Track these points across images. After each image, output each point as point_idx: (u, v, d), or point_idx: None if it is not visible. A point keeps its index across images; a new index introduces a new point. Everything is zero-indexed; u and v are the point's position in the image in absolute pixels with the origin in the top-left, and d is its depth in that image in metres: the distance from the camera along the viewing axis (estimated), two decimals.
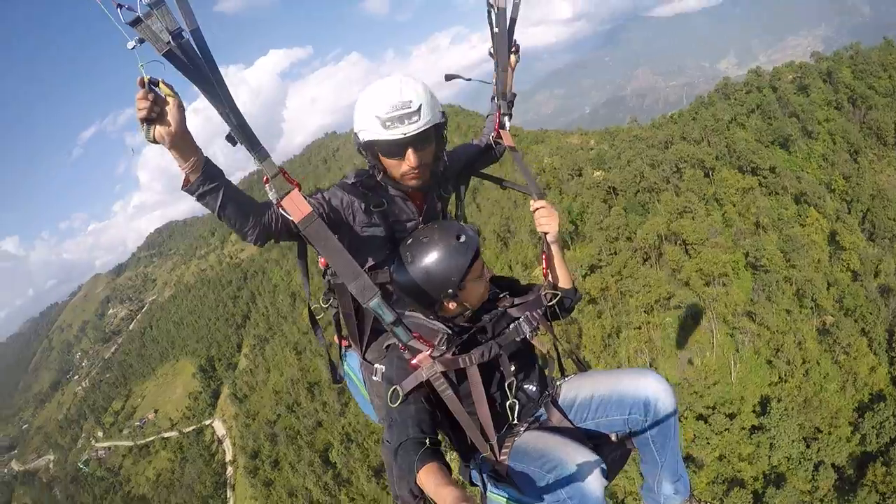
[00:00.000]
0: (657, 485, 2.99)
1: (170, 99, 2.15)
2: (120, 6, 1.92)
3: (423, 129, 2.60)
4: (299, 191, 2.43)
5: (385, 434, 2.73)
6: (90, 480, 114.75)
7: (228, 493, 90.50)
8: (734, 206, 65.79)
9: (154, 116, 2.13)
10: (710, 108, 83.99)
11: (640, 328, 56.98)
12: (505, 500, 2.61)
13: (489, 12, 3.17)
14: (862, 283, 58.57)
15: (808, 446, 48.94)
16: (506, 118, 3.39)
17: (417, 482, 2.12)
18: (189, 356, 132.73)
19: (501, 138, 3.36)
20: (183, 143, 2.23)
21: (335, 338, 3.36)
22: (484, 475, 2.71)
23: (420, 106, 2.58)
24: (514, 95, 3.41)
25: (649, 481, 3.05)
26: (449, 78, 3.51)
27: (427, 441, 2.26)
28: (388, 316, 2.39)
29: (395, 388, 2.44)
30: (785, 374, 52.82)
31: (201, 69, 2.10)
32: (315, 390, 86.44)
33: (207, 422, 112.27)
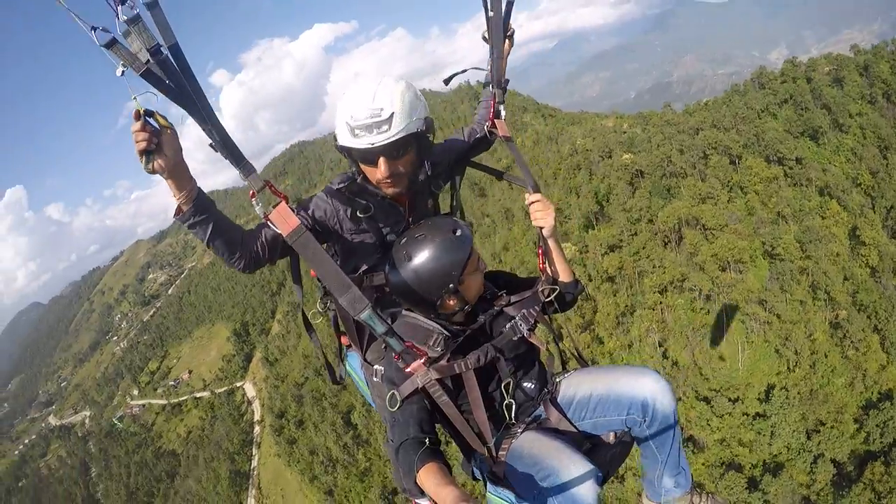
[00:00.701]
0: (658, 479, 2.99)
1: (165, 130, 2.18)
2: (94, 28, 1.90)
3: (392, 139, 2.55)
4: (286, 203, 2.44)
5: (388, 433, 2.84)
6: (123, 435, 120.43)
7: (254, 450, 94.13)
8: (757, 194, 66.02)
9: (153, 148, 2.16)
10: (743, 97, 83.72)
11: (653, 308, 58.06)
12: (502, 502, 2.59)
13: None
14: (879, 280, 58.59)
15: (808, 438, 49.44)
16: (500, 106, 3.33)
17: (417, 482, 2.15)
18: (224, 321, 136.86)
19: (496, 128, 3.31)
20: (179, 173, 2.28)
21: (336, 340, 3.36)
22: (484, 474, 2.74)
23: (392, 115, 2.52)
24: (508, 82, 3.36)
25: (650, 475, 3.04)
26: (448, 81, 3.53)
27: (427, 440, 2.29)
28: (379, 327, 2.40)
29: (392, 393, 2.45)
30: (792, 364, 53.32)
31: (181, 85, 2.09)
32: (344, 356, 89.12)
33: (239, 384, 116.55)
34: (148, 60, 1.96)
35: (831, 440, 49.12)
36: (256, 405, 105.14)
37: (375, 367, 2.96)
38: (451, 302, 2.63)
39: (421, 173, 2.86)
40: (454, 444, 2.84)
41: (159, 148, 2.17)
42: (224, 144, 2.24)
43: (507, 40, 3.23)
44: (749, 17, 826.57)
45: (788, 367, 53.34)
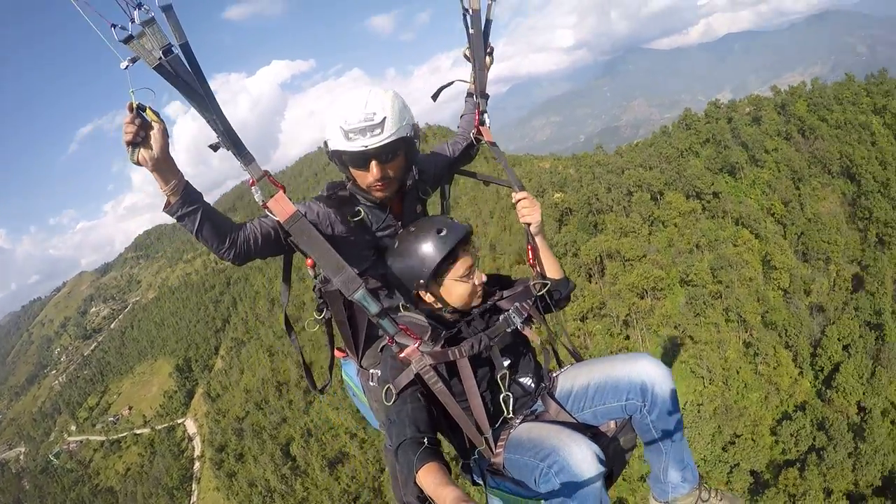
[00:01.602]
0: (663, 473, 2.93)
1: (155, 124, 2.24)
2: (113, 25, 2.05)
3: (385, 142, 2.62)
4: (284, 193, 2.51)
5: (385, 439, 2.91)
6: (59, 472, 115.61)
7: (194, 485, 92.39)
8: (676, 227, 69.71)
9: (139, 140, 2.22)
10: (669, 138, 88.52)
11: (573, 335, 60.05)
12: (502, 494, 2.55)
13: (464, 16, 3.32)
14: (790, 300, 62.49)
15: (724, 450, 51.80)
16: (485, 115, 3.46)
17: (417, 482, 2.14)
18: (167, 356, 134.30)
19: (482, 134, 3.44)
20: (165, 166, 2.30)
21: (329, 351, 3.36)
22: (483, 470, 2.68)
23: (384, 119, 2.60)
24: (488, 96, 3.50)
25: (655, 470, 2.98)
26: (436, 96, 3.60)
27: (425, 440, 2.28)
28: (372, 307, 2.47)
29: (388, 387, 2.46)
30: (707, 382, 56.01)
31: (190, 81, 2.24)
32: (283, 389, 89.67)
33: (180, 420, 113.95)
34: (160, 57, 2.16)
35: (747, 451, 51.60)
36: (197, 441, 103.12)
37: (372, 371, 3.04)
38: (428, 298, 2.72)
39: (409, 178, 2.96)
40: (453, 447, 2.86)
41: (146, 141, 2.25)
42: (228, 134, 2.39)
43: (488, 56, 3.45)
44: (696, 63, 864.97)
45: (703, 385, 56.02)
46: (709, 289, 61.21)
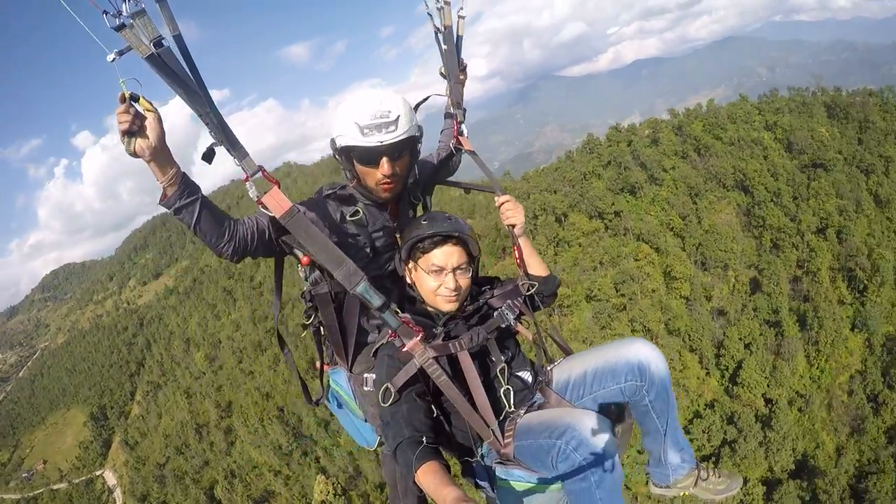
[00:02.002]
0: (664, 455, 2.98)
1: (149, 114, 2.23)
2: (106, 12, 2.01)
3: (399, 139, 2.68)
4: (279, 188, 2.49)
5: (383, 448, 2.92)
6: None
7: None
8: (580, 246, 72.03)
9: (135, 129, 2.20)
10: (573, 162, 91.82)
11: None
12: (514, 484, 2.59)
13: (436, 35, 3.40)
14: (691, 307, 65.79)
15: (640, 452, 54.03)
16: (462, 126, 3.54)
17: (416, 481, 2.15)
18: (80, 404, 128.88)
19: (461, 144, 3.52)
20: (162, 156, 2.29)
21: (316, 363, 3.36)
22: (489, 466, 2.69)
23: (398, 117, 2.66)
24: (465, 109, 3.58)
25: (655, 454, 3.03)
26: (416, 107, 3.44)
27: (424, 440, 2.28)
28: (375, 300, 2.48)
29: (386, 386, 2.46)
30: None
31: (181, 73, 2.21)
32: (203, 431, 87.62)
33: (98, 472, 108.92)
34: (152, 48, 2.12)
35: None
36: (118, 493, 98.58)
37: (366, 375, 2.99)
38: (408, 279, 2.86)
39: (411, 176, 3.09)
40: (452, 452, 2.86)
41: (142, 131, 2.23)
42: (221, 129, 2.34)
43: (462, 72, 3.52)
44: (606, 89, 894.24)
45: None
46: (613, 302, 63.56)
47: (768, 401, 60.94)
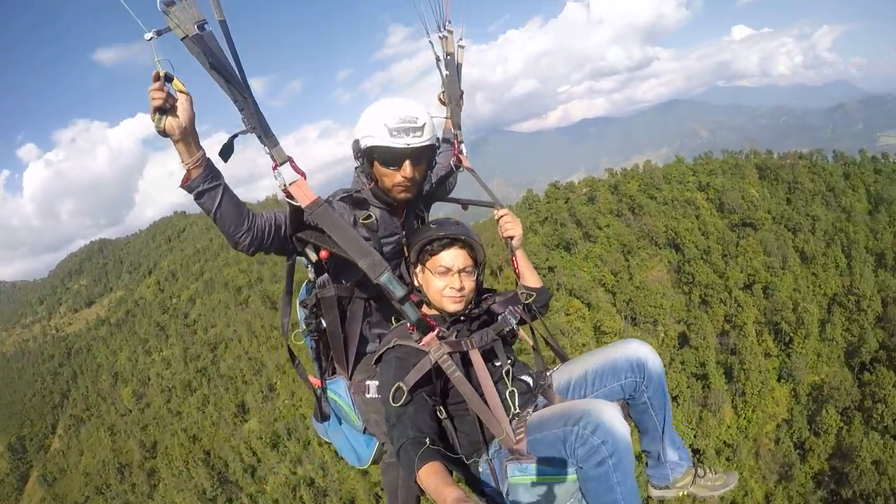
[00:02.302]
0: (663, 453, 3.06)
1: (181, 95, 2.29)
2: None
3: (423, 144, 2.78)
4: (305, 180, 2.58)
5: (385, 457, 3.04)
6: None
7: None
8: None
9: (167, 108, 2.26)
10: None
11: None
12: (530, 478, 2.54)
13: (437, 62, 3.61)
14: None
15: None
16: (462, 145, 3.64)
17: (418, 480, 2.14)
18: None
19: (461, 162, 3.61)
20: (191, 137, 2.36)
21: (311, 378, 3.29)
22: (501, 464, 2.64)
23: (424, 124, 2.77)
24: (461, 129, 3.69)
25: (654, 453, 3.10)
26: None
27: (427, 440, 2.28)
28: (398, 290, 2.53)
29: (398, 385, 2.46)
30: None
31: (223, 59, 2.28)
32: (125, 471, 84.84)
33: None
34: (196, 29, 2.20)
35: None
36: None
37: (367, 383, 2.98)
38: (416, 280, 2.89)
39: (426, 185, 3.17)
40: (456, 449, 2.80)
41: (173, 110, 2.29)
42: (257, 117, 2.40)
43: (460, 97, 3.68)
44: (554, 146, 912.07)
45: None
46: (543, 356, 64.71)
47: (695, 451, 61.92)
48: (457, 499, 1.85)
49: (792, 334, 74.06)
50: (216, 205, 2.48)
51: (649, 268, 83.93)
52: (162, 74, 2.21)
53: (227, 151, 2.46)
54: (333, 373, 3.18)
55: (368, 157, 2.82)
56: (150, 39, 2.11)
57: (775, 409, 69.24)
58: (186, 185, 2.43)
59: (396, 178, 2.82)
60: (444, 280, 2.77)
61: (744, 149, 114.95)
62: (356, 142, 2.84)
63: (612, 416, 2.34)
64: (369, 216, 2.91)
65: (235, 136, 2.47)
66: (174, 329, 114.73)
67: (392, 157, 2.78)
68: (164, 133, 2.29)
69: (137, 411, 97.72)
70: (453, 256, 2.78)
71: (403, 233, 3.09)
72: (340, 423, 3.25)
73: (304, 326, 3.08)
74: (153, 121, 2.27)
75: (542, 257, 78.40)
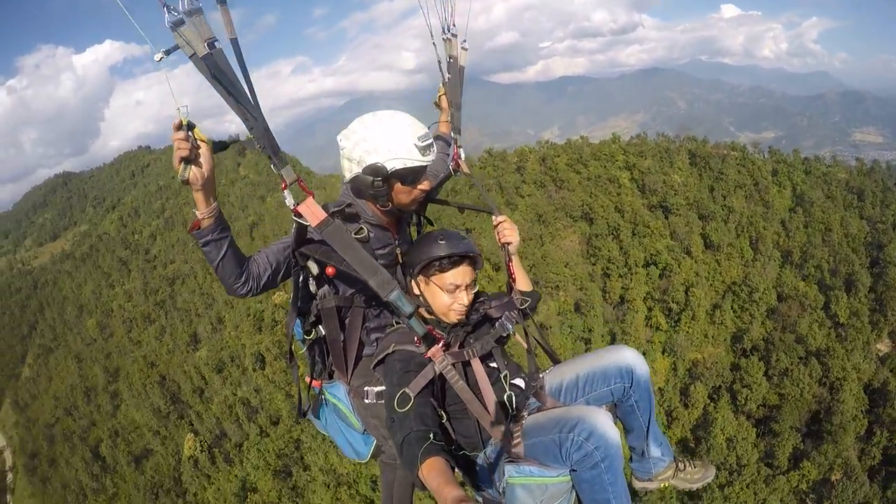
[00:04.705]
0: (646, 449, 3.22)
1: (202, 144, 2.29)
2: (166, 6, 2.02)
3: (435, 157, 2.84)
4: (314, 199, 2.52)
5: (382, 456, 3.19)
6: None
7: (8, 497, 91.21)
8: None
9: (192, 158, 2.27)
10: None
11: None
12: (529, 479, 2.67)
13: (440, 65, 3.62)
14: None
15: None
16: (460, 149, 3.68)
17: (420, 475, 2.16)
18: None
19: (460, 167, 3.68)
20: (210, 187, 2.37)
21: (307, 378, 3.33)
22: (497, 464, 2.75)
23: (433, 139, 2.81)
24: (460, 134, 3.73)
25: (638, 449, 3.27)
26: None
27: (431, 435, 2.30)
28: (406, 307, 2.51)
29: (403, 391, 2.49)
30: None
31: (232, 78, 2.20)
32: (91, 395, 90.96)
33: None
34: (206, 48, 2.13)
35: None
36: (8, 453, 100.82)
37: (366, 388, 3.02)
38: (415, 290, 2.92)
39: (434, 193, 3.34)
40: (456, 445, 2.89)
41: (196, 159, 2.29)
42: (266, 137, 2.35)
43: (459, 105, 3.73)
44: (530, 100, 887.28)
45: None
46: None
47: None
48: (457, 498, 1.89)
49: (679, 314, 79.75)
50: (221, 255, 2.52)
51: (563, 237, 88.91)
52: (185, 123, 2.23)
53: (220, 148, 2.47)
54: (331, 377, 3.25)
55: (390, 179, 2.78)
56: (160, 60, 2.08)
57: (654, 379, 70.97)
58: (196, 232, 2.47)
59: (414, 193, 2.90)
60: (452, 296, 2.83)
61: (680, 135, 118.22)
62: (377, 167, 2.71)
63: (604, 422, 2.47)
64: (361, 229, 2.90)
65: (236, 142, 2.64)
66: (136, 264, 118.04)
67: (416, 175, 2.82)
68: (187, 182, 2.31)
69: (102, 340, 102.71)
70: (462, 274, 2.83)
71: (397, 242, 3.12)
72: (340, 422, 3.31)
73: (303, 333, 3.13)
74: (177, 171, 2.28)
75: (460, 220, 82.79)
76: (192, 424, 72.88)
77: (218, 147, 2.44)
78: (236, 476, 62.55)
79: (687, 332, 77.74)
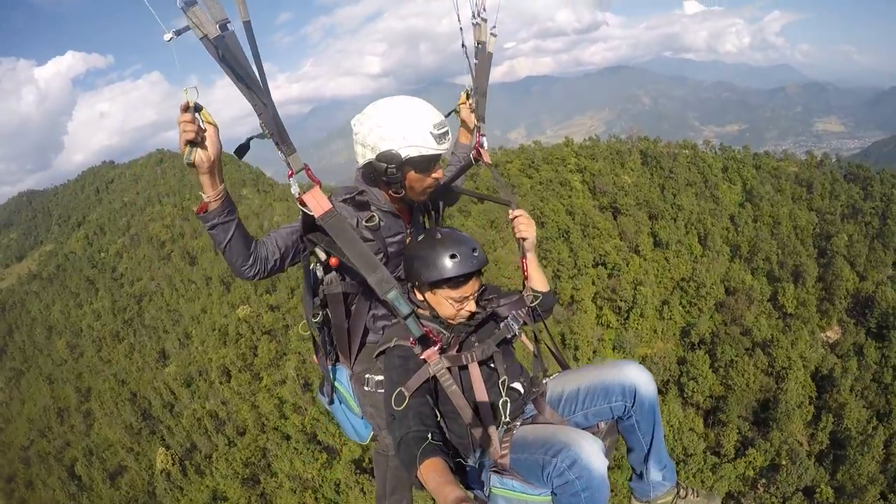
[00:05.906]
0: (646, 471, 3.07)
1: (209, 126, 2.23)
2: None
3: (450, 144, 2.80)
4: (320, 188, 2.48)
5: (378, 444, 3.14)
6: None
7: None
8: None
9: (198, 141, 2.20)
10: None
11: None
12: (509, 493, 2.61)
13: (465, 51, 3.44)
14: None
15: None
16: (483, 138, 3.56)
17: (418, 476, 2.12)
18: None
19: (481, 156, 3.55)
20: (216, 170, 2.32)
21: (315, 359, 3.31)
22: (485, 471, 2.71)
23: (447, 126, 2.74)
24: (485, 122, 3.60)
25: (637, 470, 3.12)
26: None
27: (429, 435, 2.26)
28: (404, 308, 2.47)
29: (399, 390, 2.44)
30: None
31: (244, 62, 2.15)
32: (64, 415, 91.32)
33: None
34: (218, 30, 2.08)
35: None
36: None
37: (367, 376, 3.00)
38: (418, 296, 2.84)
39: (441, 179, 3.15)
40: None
41: (203, 142, 2.23)
42: (275, 123, 2.31)
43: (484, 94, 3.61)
44: (496, 101, 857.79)
45: None
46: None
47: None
48: (457, 498, 1.87)
49: (627, 312, 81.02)
50: (228, 238, 2.48)
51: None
52: (192, 105, 2.18)
53: (242, 151, 2.45)
54: (337, 360, 3.24)
55: (404, 167, 2.74)
56: (170, 40, 2.02)
57: None
58: (202, 215, 2.44)
59: (427, 181, 2.86)
60: (459, 305, 2.78)
61: (631, 136, 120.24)
62: (391, 154, 2.69)
63: (589, 452, 2.38)
64: (373, 217, 2.88)
65: (251, 138, 2.47)
66: (103, 283, 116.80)
67: (429, 163, 2.79)
68: (192, 165, 2.25)
69: (72, 360, 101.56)
70: (471, 287, 2.77)
71: (409, 231, 3.08)
72: (338, 402, 3.32)
73: (314, 320, 3.09)
74: (183, 153, 2.23)
75: (478, 210, 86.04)
76: (164, 439, 73.78)
77: (240, 150, 2.47)
78: (207, 486, 64.36)
79: (636, 329, 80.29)
